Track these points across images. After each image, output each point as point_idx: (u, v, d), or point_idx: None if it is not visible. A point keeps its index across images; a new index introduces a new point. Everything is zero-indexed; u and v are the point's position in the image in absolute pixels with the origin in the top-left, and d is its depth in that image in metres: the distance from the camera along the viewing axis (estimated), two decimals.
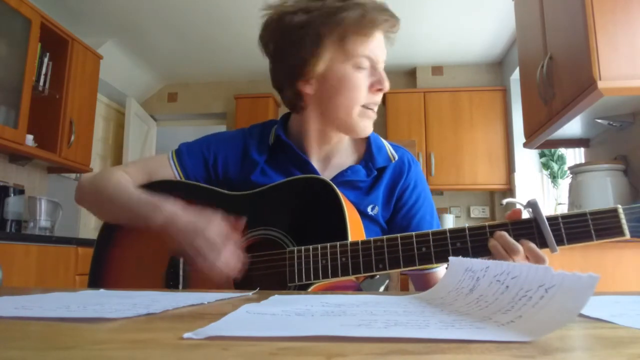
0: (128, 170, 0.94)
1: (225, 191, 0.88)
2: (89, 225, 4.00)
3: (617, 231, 0.67)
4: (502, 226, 0.72)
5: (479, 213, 4.24)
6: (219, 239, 0.74)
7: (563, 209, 3.39)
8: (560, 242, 0.69)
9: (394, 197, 0.92)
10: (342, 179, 0.85)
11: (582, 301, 0.24)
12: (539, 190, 3.84)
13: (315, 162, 0.92)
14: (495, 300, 0.31)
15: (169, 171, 0.94)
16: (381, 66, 0.88)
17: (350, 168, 0.91)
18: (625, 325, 0.30)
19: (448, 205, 4.23)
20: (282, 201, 0.82)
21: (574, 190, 2.08)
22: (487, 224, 0.72)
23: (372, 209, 0.89)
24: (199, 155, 0.95)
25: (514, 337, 0.25)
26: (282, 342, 0.25)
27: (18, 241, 2.36)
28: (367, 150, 0.94)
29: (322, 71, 0.85)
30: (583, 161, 2.58)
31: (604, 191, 1.95)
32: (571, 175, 2.15)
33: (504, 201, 2.92)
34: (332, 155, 0.95)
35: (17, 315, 0.34)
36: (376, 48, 0.86)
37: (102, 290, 0.57)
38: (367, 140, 0.95)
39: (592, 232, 0.67)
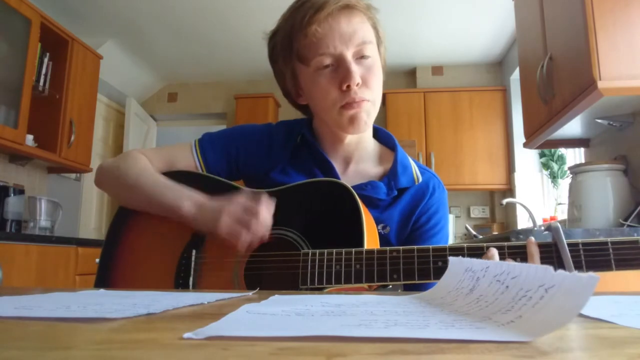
0: (149, 155, 0.93)
1: (244, 187, 0.87)
2: (89, 225, 4.00)
3: (637, 263, 0.65)
4: (521, 247, 0.70)
5: (479, 213, 4.25)
6: (250, 206, 0.75)
7: (563, 209, 3.39)
8: (579, 268, 0.67)
9: (412, 219, 0.90)
10: (360, 192, 0.81)
11: (582, 301, 0.24)
12: (539, 190, 3.84)
13: (335, 165, 0.91)
14: (495, 300, 0.31)
15: (191, 161, 0.93)
16: (349, 55, 0.81)
17: (370, 183, 0.88)
18: (625, 325, 0.30)
19: (448, 205, 4.23)
20: (300, 202, 0.81)
21: (574, 190, 2.08)
22: (506, 244, 0.71)
23: (384, 228, 0.87)
24: (222, 147, 0.95)
25: (514, 337, 0.25)
26: (282, 342, 0.25)
27: (18, 241, 2.37)
28: (392, 168, 0.91)
29: (299, 83, 0.89)
30: (583, 161, 2.58)
31: (604, 191, 1.94)
32: (571, 175, 2.15)
33: (504, 201, 2.92)
34: (351, 159, 0.93)
35: (17, 315, 0.34)
36: (327, 39, 0.81)
37: (102, 290, 0.57)
38: (394, 156, 0.92)
39: (612, 261, 0.66)
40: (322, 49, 0.81)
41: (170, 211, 0.80)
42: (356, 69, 0.81)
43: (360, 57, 0.83)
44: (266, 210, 0.75)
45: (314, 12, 0.81)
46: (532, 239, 0.71)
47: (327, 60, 0.82)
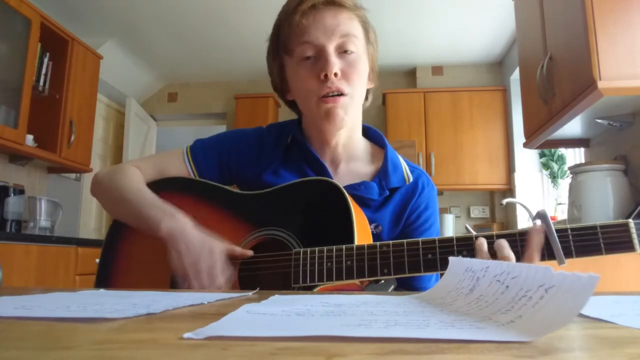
0: (140, 165, 0.94)
1: (236, 190, 0.88)
2: (89, 225, 4.00)
3: (627, 246, 0.64)
4: (510, 235, 0.70)
5: (479, 213, 4.25)
6: (219, 267, 0.75)
7: (563, 209, 3.39)
8: (568, 254, 0.67)
9: (403, 218, 0.90)
10: (353, 192, 0.83)
11: (582, 301, 0.24)
12: (539, 190, 3.84)
13: (326, 165, 0.92)
14: (495, 300, 0.31)
15: (183, 168, 0.94)
16: (330, 47, 0.82)
17: (363, 183, 0.89)
18: (625, 325, 0.30)
19: (448, 205, 4.23)
20: (290, 202, 0.81)
21: (574, 190, 2.08)
22: (494, 232, 0.71)
23: (376, 227, 0.88)
24: (213, 153, 0.96)
25: (514, 337, 0.25)
26: (282, 342, 0.25)
27: (18, 241, 2.36)
28: (383, 167, 0.91)
29: (285, 77, 0.91)
30: (583, 161, 2.58)
31: (604, 191, 1.95)
32: (571, 175, 2.15)
33: (504, 201, 2.91)
34: (340, 159, 0.94)
35: (17, 315, 0.34)
36: (310, 30, 0.82)
37: (102, 290, 0.57)
38: (384, 155, 0.93)
39: (602, 245, 0.65)
40: (305, 38, 0.83)
41: (149, 229, 0.80)
42: (335, 61, 0.82)
43: (343, 51, 0.84)
44: (227, 285, 0.75)
45: (298, 3, 0.83)
46: (538, 223, 0.69)
47: (309, 52, 0.83)
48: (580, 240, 0.66)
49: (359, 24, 0.87)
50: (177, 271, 0.76)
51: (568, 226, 0.68)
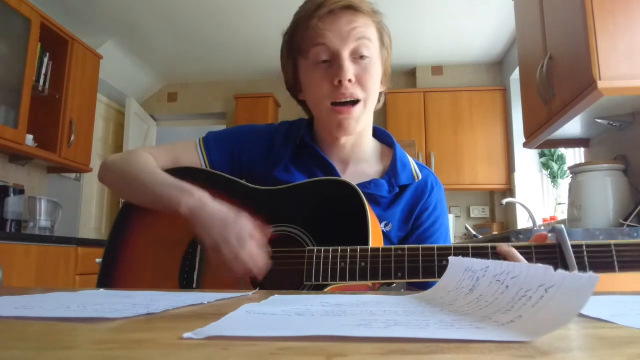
0: (154, 152, 0.95)
1: (250, 185, 0.88)
2: (89, 225, 4.00)
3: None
4: (525, 248, 0.71)
5: (479, 213, 4.25)
6: (247, 231, 0.74)
7: (563, 209, 3.39)
8: (582, 270, 0.68)
9: (413, 217, 0.91)
10: (364, 190, 0.83)
11: (582, 301, 0.24)
12: (539, 190, 3.84)
13: (336, 166, 0.93)
14: (495, 300, 0.31)
15: (196, 158, 0.95)
16: (345, 53, 0.83)
17: (373, 181, 0.89)
18: (625, 325, 0.30)
19: (448, 205, 4.22)
20: (306, 200, 0.82)
21: (574, 190, 2.08)
22: (510, 244, 0.71)
23: (386, 225, 0.88)
24: (226, 145, 0.96)
25: (514, 337, 0.25)
26: (282, 342, 0.25)
27: (18, 241, 2.37)
28: (392, 165, 0.92)
29: (298, 77, 0.91)
30: (583, 161, 2.58)
31: (604, 191, 1.94)
32: (571, 175, 2.15)
33: (504, 201, 2.92)
34: (349, 161, 0.94)
35: (17, 315, 0.34)
36: (326, 33, 0.83)
37: (102, 290, 0.58)
38: (393, 154, 0.94)
39: (616, 263, 0.67)
40: (320, 40, 0.83)
41: (168, 208, 0.81)
42: (350, 67, 0.83)
43: (358, 57, 0.84)
44: (257, 248, 0.74)
45: (316, 8, 0.83)
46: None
47: (324, 55, 0.84)
48: (595, 257, 0.68)
49: (375, 29, 0.87)
50: (206, 243, 0.76)
51: (583, 242, 0.69)
